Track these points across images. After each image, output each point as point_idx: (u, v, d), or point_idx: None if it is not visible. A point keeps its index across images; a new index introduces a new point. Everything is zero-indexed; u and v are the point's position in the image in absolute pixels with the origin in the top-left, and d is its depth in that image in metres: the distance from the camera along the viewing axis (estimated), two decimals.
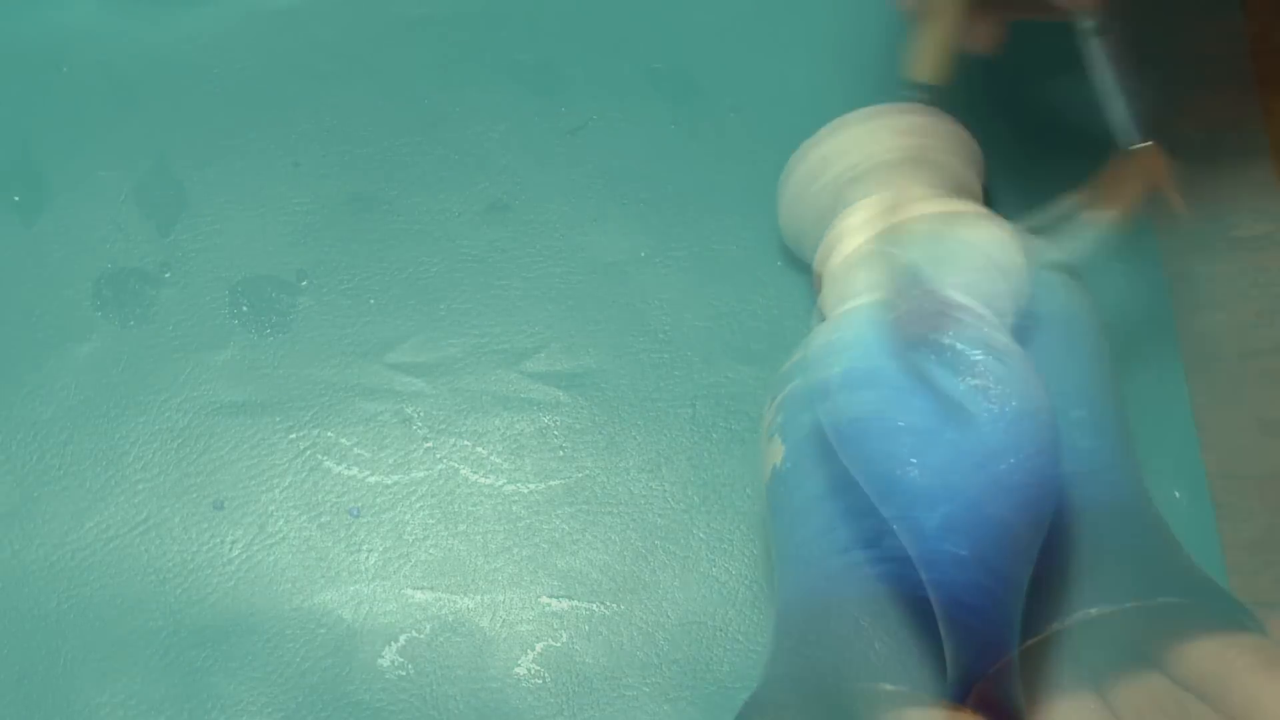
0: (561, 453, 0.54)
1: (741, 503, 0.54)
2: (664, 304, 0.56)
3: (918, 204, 0.49)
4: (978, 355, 0.43)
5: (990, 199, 0.55)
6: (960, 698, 0.40)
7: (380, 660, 0.52)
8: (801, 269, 0.56)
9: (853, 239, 0.50)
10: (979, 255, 0.46)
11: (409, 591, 0.53)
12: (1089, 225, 0.48)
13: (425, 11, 0.60)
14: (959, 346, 0.43)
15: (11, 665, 0.52)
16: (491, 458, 0.54)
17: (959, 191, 0.51)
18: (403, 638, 0.52)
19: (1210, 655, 0.38)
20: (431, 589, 0.53)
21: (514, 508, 0.54)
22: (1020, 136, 0.57)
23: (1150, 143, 0.47)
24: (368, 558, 0.53)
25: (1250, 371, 0.56)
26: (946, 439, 0.42)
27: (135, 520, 0.53)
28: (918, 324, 0.43)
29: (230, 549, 0.53)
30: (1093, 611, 0.38)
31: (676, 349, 0.55)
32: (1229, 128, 0.59)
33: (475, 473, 0.54)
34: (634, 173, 0.58)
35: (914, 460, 0.43)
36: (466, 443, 0.54)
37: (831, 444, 0.47)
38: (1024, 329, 0.44)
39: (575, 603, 0.53)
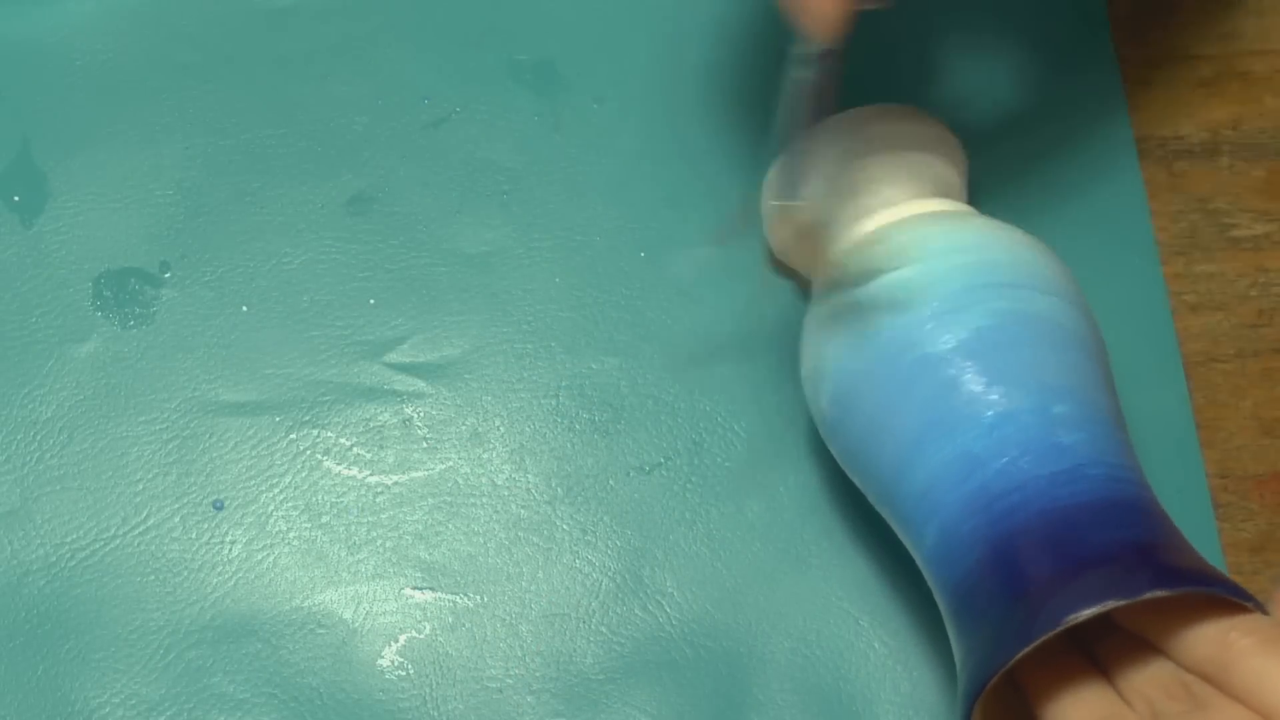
0: (424, 444, 0.55)
1: (604, 494, 0.54)
2: (527, 295, 0.56)
3: (896, 208, 0.49)
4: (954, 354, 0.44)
5: (976, 195, 0.55)
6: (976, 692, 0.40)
7: (380, 660, 0.52)
8: (663, 261, 0.56)
9: (835, 249, 0.50)
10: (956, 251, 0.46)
11: (409, 591, 0.53)
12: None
13: (287, 3, 0.60)
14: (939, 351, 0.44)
15: (11, 665, 0.52)
16: (354, 449, 0.54)
17: (941, 191, 0.51)
18: (403, 637, 0.52)
19: (1212, 639, 0.39)
20: (432, 589, 0.53)
21: (377, 499, 0.54)
22: (1005, 131, 0.57)
23: (806, 202, 0.45)
24: (366, 558, 0.53)
25: (1250, 371, 0.56)
26: (930, 450, 0.43)
27: (135, 520, 0.53)
28: None
29: (230, 549, 0.53)
30: (1085, 612, 0.38)
31: (540, 340, 0.56)
32: (1229, 127, 0.59)
33: (338, 464, 0.54)
34: (497, 165, 0.58)
35: (905, 475, 0.44)
36: (329, 434, 0.55)
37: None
38: (1005, 323, 0.44)
39: (438, 594, 0.53)
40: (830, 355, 0.47)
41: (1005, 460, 0.42)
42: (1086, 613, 0.38)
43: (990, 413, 0.43)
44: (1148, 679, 0.40)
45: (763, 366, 0.55)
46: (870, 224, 0.49)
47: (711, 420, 0.55)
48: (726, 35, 0.59)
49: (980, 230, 0.47)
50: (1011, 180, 0.56)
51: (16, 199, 0.57)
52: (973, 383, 0.43)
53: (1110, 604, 0.38)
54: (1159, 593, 0.38)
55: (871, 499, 0.47)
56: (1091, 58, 0.60)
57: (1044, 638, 0.38)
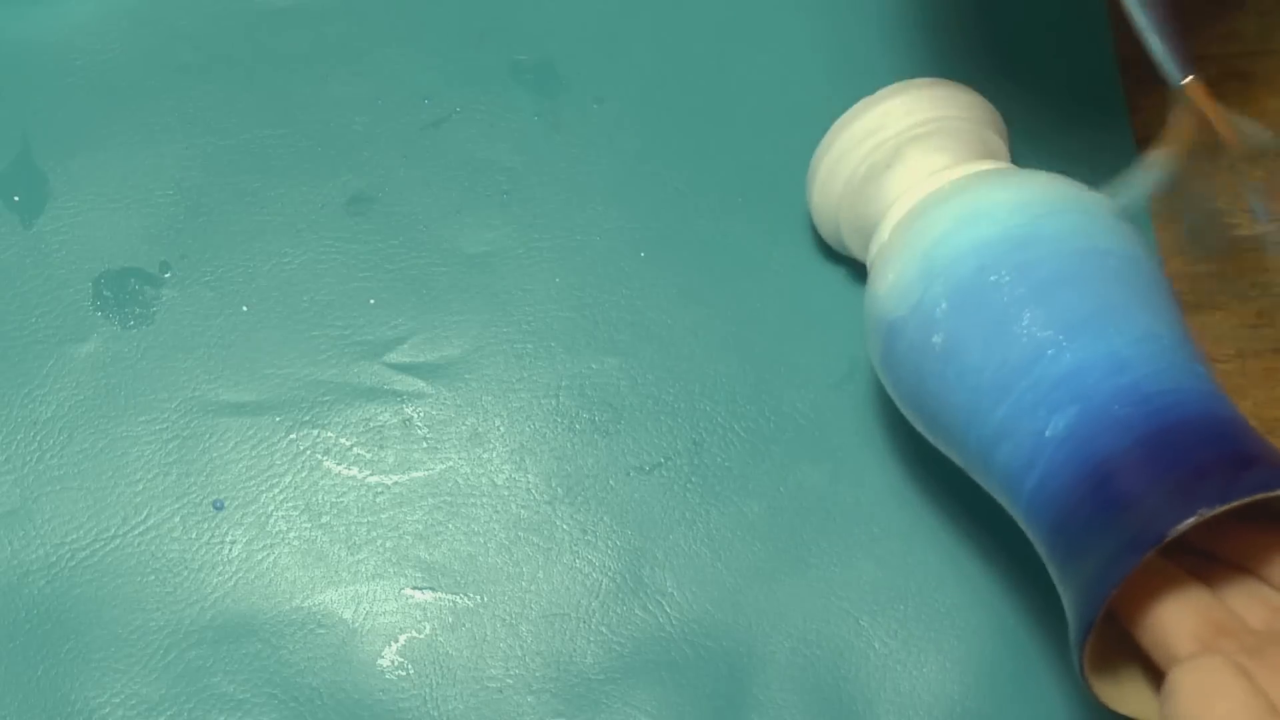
0: (424, 444, 0.55)
1: (604, 494, 0.54)
2: (527, 295, 0.56)
3: (957, 168, 0.50)
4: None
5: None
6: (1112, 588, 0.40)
7: (380, 660, 0.52)
8: (663, 261, 0.57)
9: (899, 209, 0.50)
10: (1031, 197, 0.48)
11: (409, 591, 0.53)
12: (1145, 171, 0.47)
13: (287, 3, 0.60)
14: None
15: (11, 665, 0.52)
16: (354, 449, 0.54)
17: (988, 156, 0.52)
18: (403, 637, 0.52)
19: None
20: (432, 589, 0.53)
21: (377, 499, 0.54)
22: (1036, 100, 0.57)
23: (1190, 77, 0.46)
24: (366, 558, 0.53)
25: (1250, 371, 0.56)
26: (1024, 385, 0.44)
27: (135, 520, 0.53)
28: None
29: (230, 549, 0.53)
30: (1190, 520, 0.39)
31: (540, 339, 0.56)
32: None
33: (338, 464, 0.54)
34: (497, 165, 0.58)
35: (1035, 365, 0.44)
36: (329, 434, 0.55)
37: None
38: (1085, 266, 0.46)
39: (438, 594, 0.53)
40: (940, 259, 0.47)
41: (1152, 369, 0.43)
42: (1174, 532, 0.39)
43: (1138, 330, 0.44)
44: (1241, 589, 0.41)
45: (763, 366, 0.55)
46: (932, 183, 0.50)
47: (711, 420, 0.55)
48: None
49: (1051, 183, 0.49)
50: (1036, 144, 0.56)
51: (16, 199, 0.57)
52: (1107, 299, 0.45)
53: (1192, 520, 0.39)
54: (1234, 504, 0.39)
55: (960, 407, 0.47)
56: (1091, 59, 0.60)
57: (1178, 530, 0.39)
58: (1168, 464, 0.41)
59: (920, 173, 0.51)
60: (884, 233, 0.51)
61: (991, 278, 0.46)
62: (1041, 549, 0.44)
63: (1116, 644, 0.43)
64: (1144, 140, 0.58)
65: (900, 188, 0.51)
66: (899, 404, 0.49)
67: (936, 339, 0.47)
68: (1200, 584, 0.41)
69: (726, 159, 0.58)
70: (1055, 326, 0.44)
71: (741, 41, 0.60)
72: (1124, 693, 0.43)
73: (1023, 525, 0.45)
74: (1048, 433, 0.44)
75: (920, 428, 0.49)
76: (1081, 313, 0.45)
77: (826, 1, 0.60)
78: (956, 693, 0.52)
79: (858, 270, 0.57)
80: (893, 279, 0.48)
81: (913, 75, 0.59)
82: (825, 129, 0.53)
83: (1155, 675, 0.42)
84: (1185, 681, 0.38)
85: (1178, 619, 0.40)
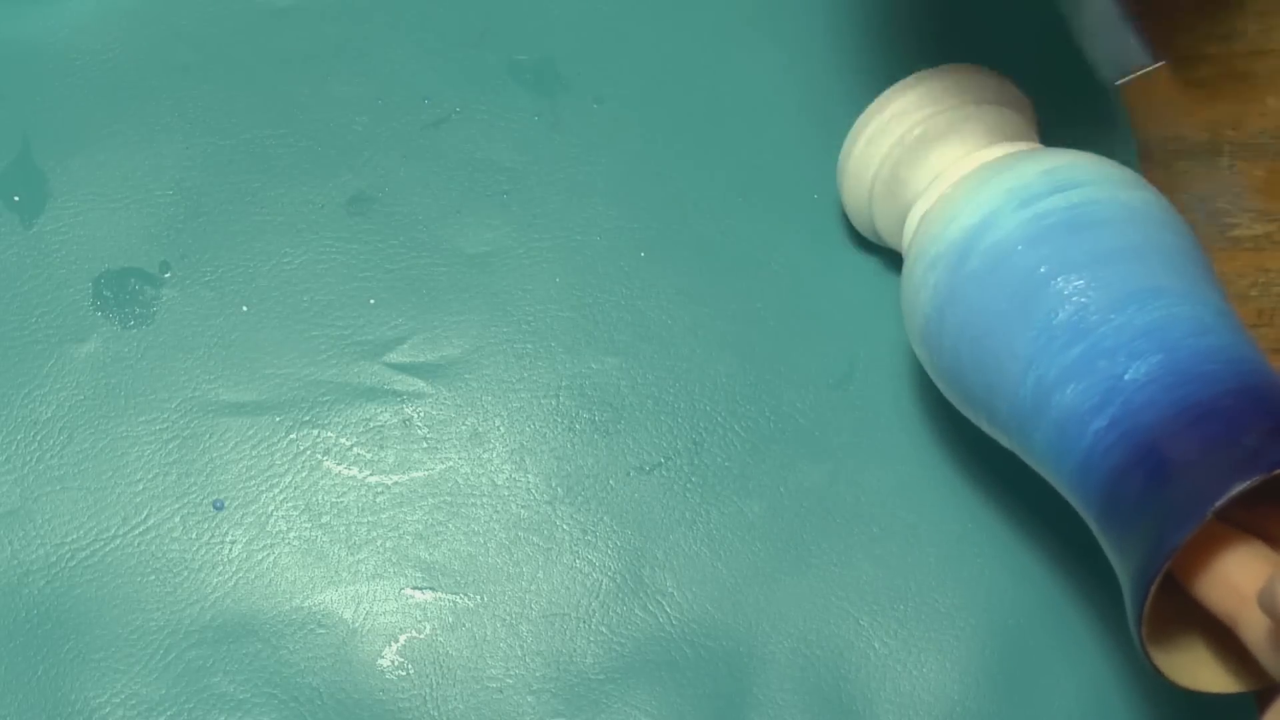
0: (424, 444, 0.55)
1: (604, 494, 0.54)
2: (527, 295, 0.56)
3: (990, 149, 0.51)
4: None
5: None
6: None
7: (380, 660, 0.52)
8: (663, 261, 0.57)
9: (936, 189, 0.50)
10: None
11: (409, 591, 0.53)
12: None
13: (287, 3, 0.60)
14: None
15: (11, 665, 0.52)
16: (354, 449, 0.54)
17: (1019, 138, 0.53)
18: (403, 637, 0.52)
19: None
20: (432, 589, 0.53)
21: (377, 499, 0.54)
22: (1035, 99, 0.57)
23: (1162, 63, 0.47)
24: (366, 558, 0.53)
25: None
26: (1105, 330, 0.45)
27: (135, 520, 0.53)
28: None
29: (230, 549, 0.53)
30: (1244, 484, 0.39)
31: (540, 339, 0.56)
32: (1229, 127, 0.59)
33: (338, 464, 0.54)
34: (497, 164, 0.58)
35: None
36: (329, 434, 0.55)
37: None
38: (1163, 239, 0.47)
39: (438, 594, 0.53)
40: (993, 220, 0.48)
41: (1234, 340, 0.45)
42: (1225, 499, 0.39)
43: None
44: None
45: (763, 366, 0.55)
46: (968, 163, 0.50)
47: (711, 420, 0.55)
48: None
49: (1086, 160, 0.49)
50: (1064, 128, 0.56)
51: (16, 199, 0.57)
52: (1187, 272, 0.46)
53: (1244, 485, 0.39)
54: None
55: (1024, 346, 0.47)
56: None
57: (1243, 487, 0.39)
58: (1265, 411, 0.42)
59: (955, 155, 0.52)
60: (928, 202, 0.51)
61: (1085, 224, 0.47)
62: (1093, 495, 0.44)
63: (1168, 617, 0.43)
64: (1142, 139, 0.59)
65: (938, 168, 0.52)
66: (939, 349, 0.49)
67: (1016, 269, 0.47)
68: (1249, 537, 0.42)
69: (727, 158, 0.58)
70: (1143, 283, 0.45)
71: (741, 41, 0.60)
72: (1176, 662, 0.43)
73: (1067, 474, 0.45)
74: (1127, 376, 0.44)
75: (957, 377, 0.49)
76: (1166, 279, 0.46)
77: (825, 2, 0.60)
78: (956, 693, 0.52)
79: (858, 271, 0.57)
80: (968, 213, 0.49)
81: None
82: (826, 127, 0.53)
83: (1205, 641, 0.43)
84: None
85: (1244, 562, 0.41)
